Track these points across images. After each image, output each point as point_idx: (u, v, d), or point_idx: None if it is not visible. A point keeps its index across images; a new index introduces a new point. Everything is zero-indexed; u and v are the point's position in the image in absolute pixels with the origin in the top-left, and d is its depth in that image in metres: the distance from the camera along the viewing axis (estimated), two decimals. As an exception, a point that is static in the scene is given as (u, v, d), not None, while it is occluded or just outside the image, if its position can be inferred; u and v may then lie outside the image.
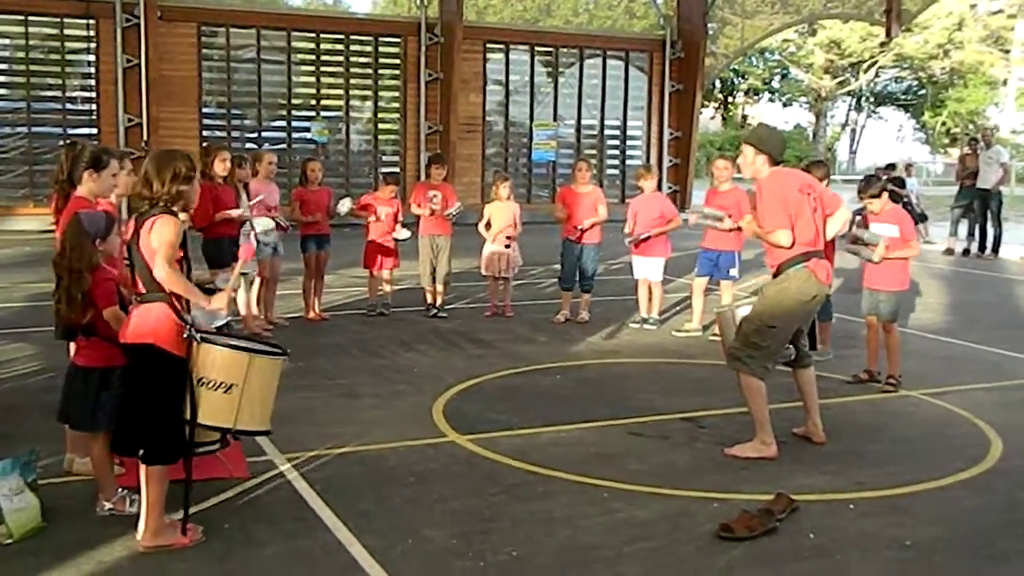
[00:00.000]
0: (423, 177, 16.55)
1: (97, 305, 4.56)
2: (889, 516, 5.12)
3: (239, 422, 4.49)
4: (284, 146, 21.26)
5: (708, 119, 54.79)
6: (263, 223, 9.05)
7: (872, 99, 58.62)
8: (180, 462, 4.54)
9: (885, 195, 7.95)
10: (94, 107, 19.92)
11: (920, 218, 20.52)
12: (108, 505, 4.82)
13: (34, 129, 19.65)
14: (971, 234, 18.09)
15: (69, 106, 19.99)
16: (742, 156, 6.23)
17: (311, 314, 10.19)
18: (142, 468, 4.47)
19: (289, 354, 4.85)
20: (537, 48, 23.92)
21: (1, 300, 11.12)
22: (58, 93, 19.87)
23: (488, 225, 10.53)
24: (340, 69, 22.26)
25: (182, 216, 7.95)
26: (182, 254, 4.50)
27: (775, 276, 6.14)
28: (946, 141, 56.48)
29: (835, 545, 4.73)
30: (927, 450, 6.29)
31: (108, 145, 6.41)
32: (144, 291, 4.41)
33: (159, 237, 4.34)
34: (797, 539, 4.79)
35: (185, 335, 4.37)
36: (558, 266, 10.69)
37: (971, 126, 48.59)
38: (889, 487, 5.52)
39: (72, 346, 4.95)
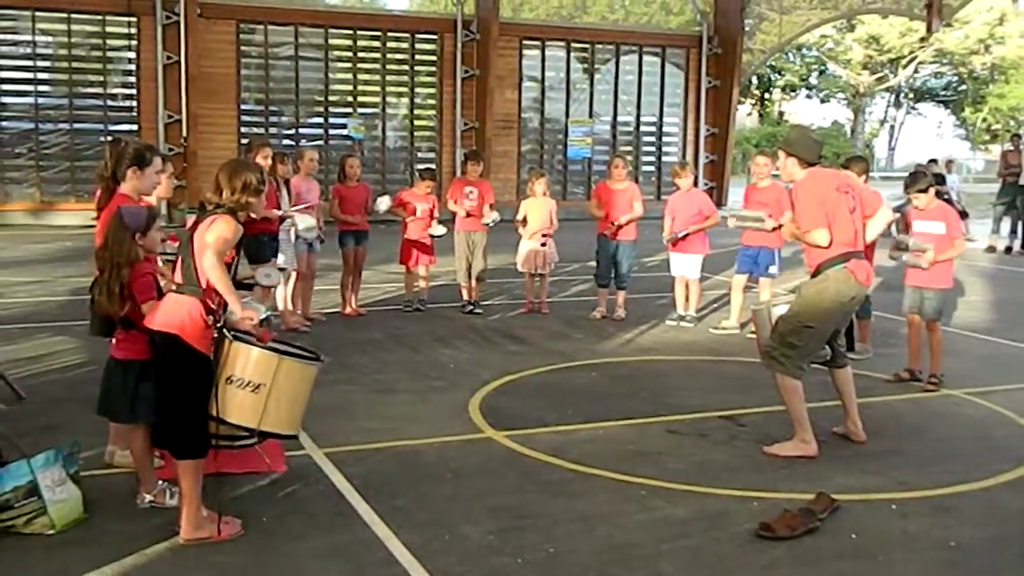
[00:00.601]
0: (459, 174, 16.58)
1: (135, 299, 4.61)
2: (933, 516, 5.05)
3: (264, 423, 4.51)
4: (321, 142, 21.38)
5: (745, 115, 54.44)
6: (305, 220, 9.08)
7: (911, 95, 58.00)
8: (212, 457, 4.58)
9: (932, 191, 7.84)
10: (135, 103, 20.17)
11: (961, 215, 20.26)
12: (149, 497, 4.87)
13: (76, 125, 19.94)
14: (1014, 231, 17.83)
15: (110, 102, 20.28)
16: (779, 160, 6.21)
17: (348, 309, 10.22)
18: (176, 462, 4.51)
19: (323, 360, 4.85)
20: (573, 44, 23.89)
21: (44, 293, 11.26)
22: (100, 90, 20.15)
23: (524, 221, 10.51)
24: (377, 66, 22.35)
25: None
26: (234, 255, 4.53)
27: (814, 276, 6.06)
28: (986, 137, 55.79)
29: (878, 545, 4.67)
30: (971, 450, 6.19)
31: (151, 143, 6.48)
32: (183, 283, 4.44)
33: (216, 232, 4.38)
34: (839, 539, 4.73)
35: (215, 334, 4.41)
36: (594, 263, 10.65)
37: (1012, 122, 47.91)
38: (932, 487, 5.44)
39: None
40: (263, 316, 4.77)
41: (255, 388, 4.43)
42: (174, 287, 4.47)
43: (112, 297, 4.59)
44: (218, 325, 4.42)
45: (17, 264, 13.61)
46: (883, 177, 41.61)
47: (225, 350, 4.44)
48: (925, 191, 7.78)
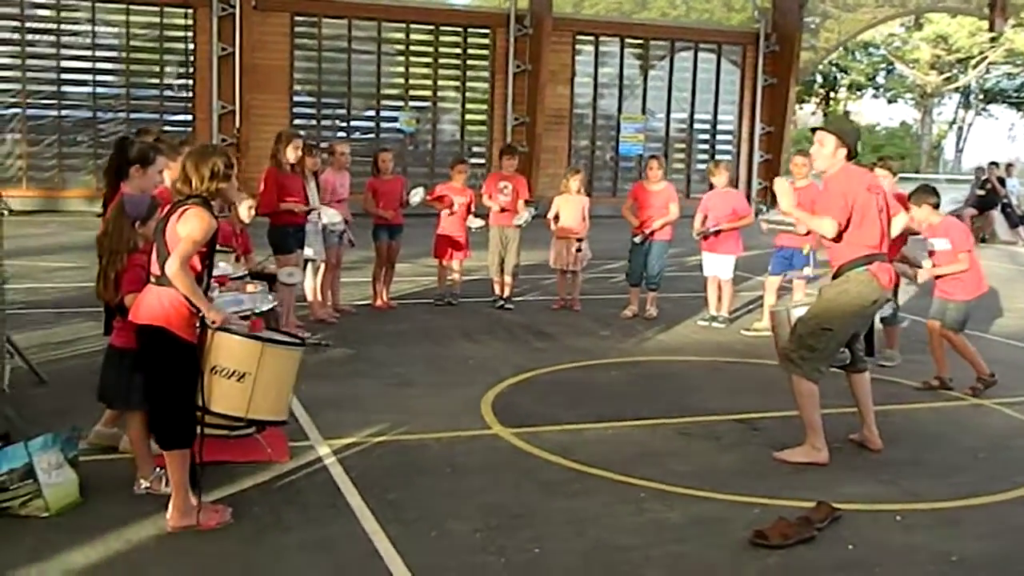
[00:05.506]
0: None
1: (120, 288, 4.65)
2: (938, 529, 4.89)
3: (252, 411, 4.53)
4: (372, 136, 21.50)
5: (809, 114, 53.59)
6: (330, 214, 9.09)
7: (982, 96, 56.54)
8: (212, 445, 4.60)
9: (929, 208, 7.61)
10: (190, 94, 20.45)
11: (1021, 220, 19.74)
12: (145, 484, 4.91)
13: (133, 115, 20.23)
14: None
15: (167, 92, 20.59)
16: (819, 145, 5.84)
17: (379, 302, 10.24)
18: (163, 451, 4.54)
19: (306, 343, 4.83)
20: (627, 40, 23.71)
21: (82, 279, 11.44)
22: (156, 80, 20.48)
23: (556, 218, 10.43)
24: (429, 60, 22.39)
25: (248, 202, 8.05)
26: (205, 250, 4.49)
27: (835, 277, 5.91)
28: (1060, 141, 54.18)
29: (875, 557, 4.53)
30: (991, 462, 5.99)
31: (165, 137, 6.47)
32: (160, 274, 4.44)
33: (186, 229, 4.36)
34: (835, 549, 4.60)
35: (197, 323, 4.42)
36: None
37: (1087, 125, 46.50)
38: (943, 499, 5.28)
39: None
40: (262, 308, 4.79)
41: (240, 377, 4.45)
42: (152, 279, 4.47)
43: (108, 284, 4.65)
44: (199, 314, 4.42)
45: (65, 250, 13.87)
46: (948, 180, 40.69)
47: (208, 340, 4.45)
48: (933, 206, 7.57)
